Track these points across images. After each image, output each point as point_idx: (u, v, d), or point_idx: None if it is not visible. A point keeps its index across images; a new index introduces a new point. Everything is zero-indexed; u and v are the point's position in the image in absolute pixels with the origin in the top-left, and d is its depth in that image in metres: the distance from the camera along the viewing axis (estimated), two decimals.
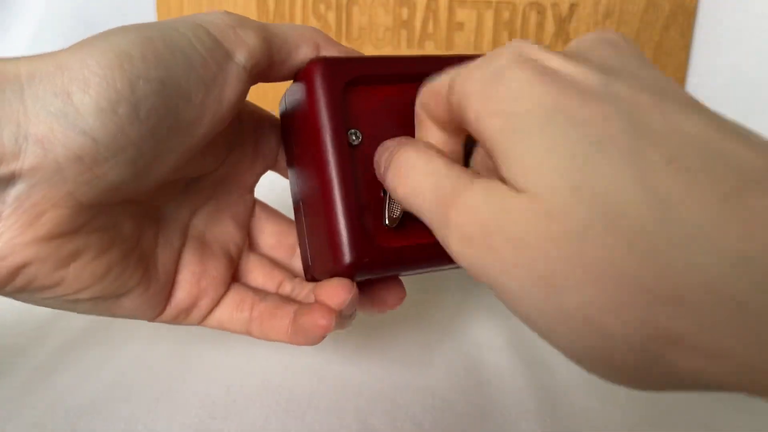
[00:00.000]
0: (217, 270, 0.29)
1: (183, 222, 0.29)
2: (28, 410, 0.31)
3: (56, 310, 0.39)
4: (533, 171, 0.18)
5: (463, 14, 0.45)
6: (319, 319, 0.26)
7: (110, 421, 0.30)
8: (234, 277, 0.30)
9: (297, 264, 0.32)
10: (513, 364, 0.34)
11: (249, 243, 0.32)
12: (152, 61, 0.22)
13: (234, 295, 0.29)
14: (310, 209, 0.27)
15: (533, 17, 0.44)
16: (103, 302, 0.25)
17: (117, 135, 0.21)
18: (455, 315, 0.38)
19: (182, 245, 0.29)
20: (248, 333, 0.29)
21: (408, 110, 0.26)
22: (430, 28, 0.46)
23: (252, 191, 0.32)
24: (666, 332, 0.16)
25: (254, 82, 0.26)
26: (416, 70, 0.26)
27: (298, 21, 0.47)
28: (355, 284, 0.26)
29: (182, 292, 0.28)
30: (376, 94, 0.27)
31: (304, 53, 0.26)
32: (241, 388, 0.32)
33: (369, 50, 0.46)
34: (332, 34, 0.47)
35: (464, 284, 0.36)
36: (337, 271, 0.26)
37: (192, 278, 0.28)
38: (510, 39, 0.45)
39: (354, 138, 0.26)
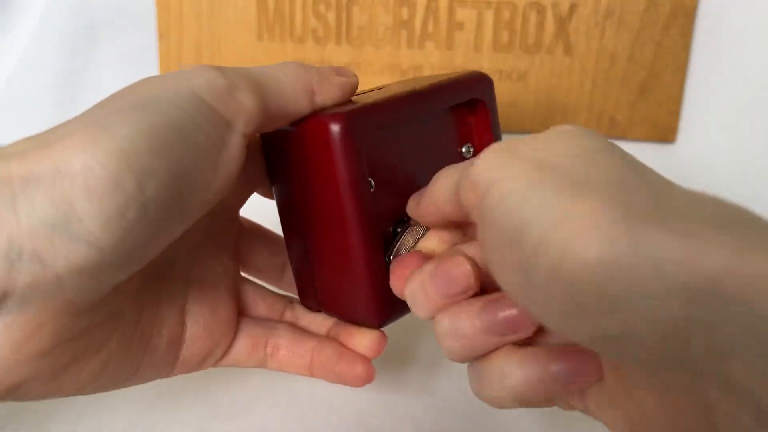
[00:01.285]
0: (226, 313, 0.28)
1: (183, 271, 0.27)
2: (28, 410, 0.31)
3: None
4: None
5: (463, 14, 0.45)
6: (360, 372, 0.28)
7: (110, 421, 0.30)
8: (239, 311, 0.29)
9: (286, 283, 0.31)
10: None
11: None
12: (160, 153, 0.19)
13: (246, 336, 0.29)
14: (323, 251, 0.27)
15: (533, 17, 0.44)
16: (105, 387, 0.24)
17: (125, 240, 0.19)
18: None
19: (185, 299, 0.27)
20: (264, 367, 0.29)
21: (413, 148, 0.28)
22: (430, 27, 0.46)
23: (238, 215, 0.30)
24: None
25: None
26: (421, 107, 0.27)
27: (298, 21, 0.47)
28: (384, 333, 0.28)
29: (194, 348, 0.27)
30: (385, 138, 0.27)
31: (301, 104, 0.25)
32: (241, 388, 0.32)
33: (369, 50, 0.46)
34: (332, 34, 0.47)
35: None
36: (366, 323, 0.28)
37: (204, 333, 0.27)
38: (510, 39, 0.45)
39: (371, 188, 0.26)
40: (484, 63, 0.45)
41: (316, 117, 0.25)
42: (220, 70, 0.23)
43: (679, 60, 0.44)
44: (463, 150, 0.30)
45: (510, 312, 0.22)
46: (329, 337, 0.30)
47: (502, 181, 0.19)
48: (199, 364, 0.28)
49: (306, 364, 0.29)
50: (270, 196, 0.29)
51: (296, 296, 0.30)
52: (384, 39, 0.46)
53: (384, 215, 0.27)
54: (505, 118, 0.47)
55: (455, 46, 0.45)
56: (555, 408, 0.31)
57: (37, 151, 0.18)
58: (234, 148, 0.22)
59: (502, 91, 0.46)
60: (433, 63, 0.46)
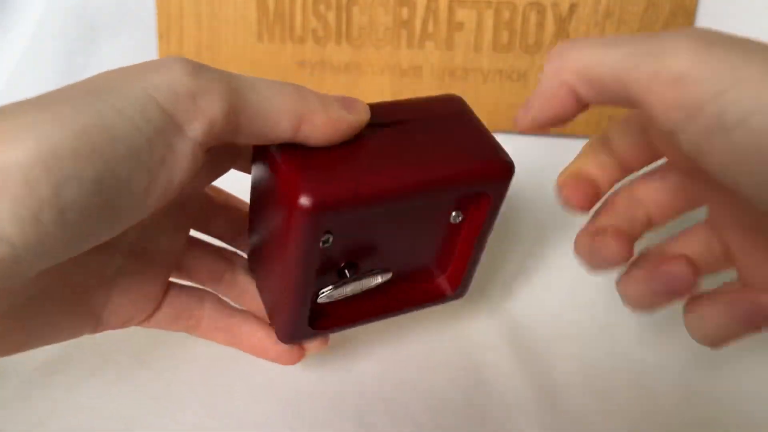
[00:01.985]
0: (154, 287, 0.29)
1: (124, 244, 0.27)
2: (28, 410, 0.31)
3: None
4: None
5: (463, 14, 0.45)
6: (282, 353, 0.31)
7: (110, 421, 0.30)
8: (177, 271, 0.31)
9: (242, 243, 0.32)
10: (513, 364, 0.34)
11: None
12: (86, 158, 0.18)
13: (170, 307, 0.30)
14: (268, 258, 0.27)
15: (533, 17, 0.44)
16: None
17: (41, 241, 0.18)
18: (455, 315, 0.38)
19: (117, 271, 0.27)
20: (188, 333, 0.31)
21: (395, 215, 0.26)
22: (430, 27, 0.46)
23: (203, 191, 0.30)
24: None
25: (214, 146, 0.23)
26: (419, 200, 0.25)
27: (298, 21, 0.47)
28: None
29: (116, 313, 0.28)
30: (362, 214, 0.24)
31: (281, 130, 0.23)
32: (241, 388, 0.32)
33: (369, 51, 0.46)
34: (332, 34, 0.47)
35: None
36: (276, 333, 0.29)
37: (128, 302, 0.28)
38: (510, 39, 0.45)
39: (325, 243, 0.25)
40: (484, 63, 0.45)
41: (293, 170, 0.23)
42: (194, 69, 0.21)
43: None
44: (452, 215, 0.28)
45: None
46: (253, 316, 0.31)
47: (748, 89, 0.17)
48: (120, 326, 0.29)
49: (226, 339, 0.31)
50: (246, 171, 0.29)
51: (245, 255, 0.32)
52: (384, 39, 0.46)
53: (337, 255, 0.27)
54: (505, 118, 0.47)
55: (455, 46, 0.45)
56: (555, 408, 0.31)
57: None
58: (183, 155, 0.21)
59: (502, 91, 0.46)
60: (433, 63, 0.46)
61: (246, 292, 0.32)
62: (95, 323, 0.27)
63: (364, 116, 0.24)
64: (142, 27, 0.50)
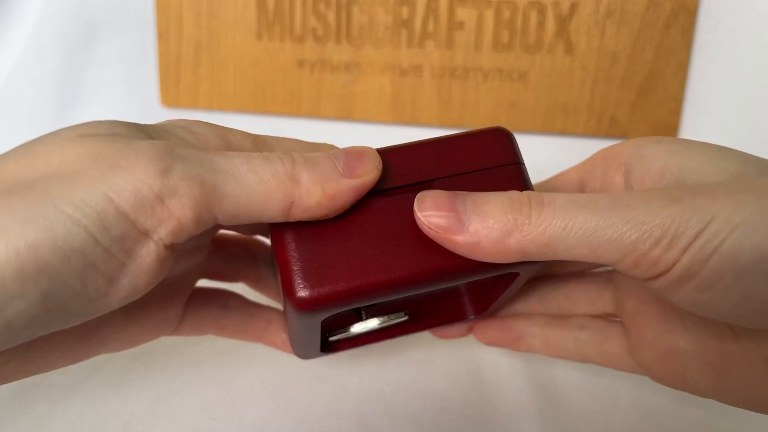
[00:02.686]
0: (170, 310, 0.28)
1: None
2: (28, 410, 0.31)
3: None
4: None
5: (463, 13, 0.45)
6: None
7: (109, 421, 0.30)
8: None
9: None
10: (513, 364, 0.34)
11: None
12: (31, 276, 0.17)
13: (190, 325, 0.29)
14: (282, 301, 0.25)
15: (534, 16, 0.44)
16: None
17: None
18: None
19: (128, 312, 0.26)
20: (213, 334, 0.31)
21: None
22: (431, 27, 0.45)
23: (208, 243, 0.29)
24: None
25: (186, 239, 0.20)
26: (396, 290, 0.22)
27: (297, 21, 0.47)
28: None
29: (128, 343, 0.27)
30: None
31: (268, 217, 0.21)
32: (241, 388, 0.32)
33: (369, 50, 0.46)
34: (332, 34, 0.47)
35: None
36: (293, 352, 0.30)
37: (140, 333, 0.27)
38: (510, 38, 0.45)
39: (328, 317, 0.23)
40: (484, 62, 0.45)
41: (289, 260, 0.21)
42: (165, 167, 0.19)
43: (680, 59, 0.44)
44: None
45: None
46: (278, 313, 0.31)
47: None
48: (137, 345, 0.28)
49: (252, 338, 0.31)
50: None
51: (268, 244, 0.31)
52: (384, 39, 0.46)
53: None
54: (505, 118, 0.47)
55: (455, 46, 0.45)
56: (555, 408, 0.31)
57: None
58: (147, 260, 0.19)
59: (502, 91, 0.46)
60: (434, 62, 0.46)
61: (272, 286, 0.31)
62: (107, 349, 0.26)
63: (371, 176, 0.21)
64: (141, 26, 0.50)
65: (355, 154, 0.22)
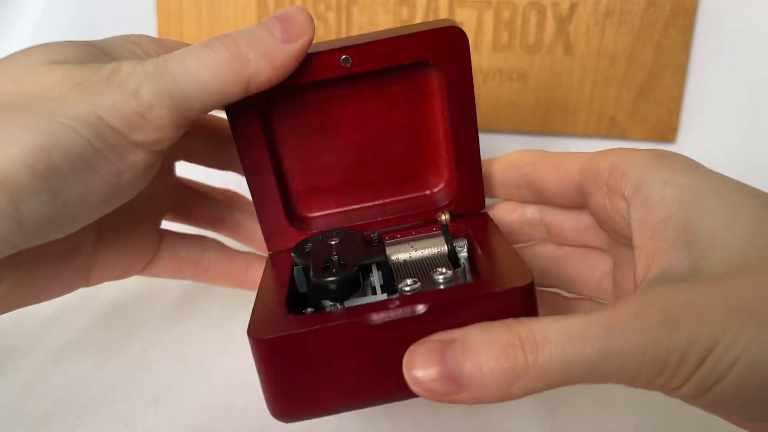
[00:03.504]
0: (144, 238, 0.29)
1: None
2: (28, 410, 0.31)
3: (56, 312, 0.39)
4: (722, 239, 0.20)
5: (463, 14, 0.45)
6: None
7: (110, 421, 0.30)
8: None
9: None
10: None
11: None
12: (43, 175, 0.20)
13: (170, 257, 0.30)
14: None
15: (533, 17, 0.44)
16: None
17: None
18: None
19: (98, 227, 0.27)
20: (194, 280, 0.32)
21: None
22: None
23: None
24: None
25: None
26: None
27: None
28: None
29: (106, 267, 0.29)
30: None
31: (232, 96, 0.23)
32: (241, 388, 0.32)
33: None
34: (332, 34, 0.47)
35: None
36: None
37: (116, 255, 0.28)
38: (510, 39, 0.45)
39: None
40: (484, 62, 0.45)
41: (271, 388, 0.22)
42: (135, 87, 0.21)
43: (679, 60, 0.44)
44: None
45: None
46: (259, 257, 0.32)
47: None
48: (115, 278, 0.30)
49: (235, 283, 0.31)
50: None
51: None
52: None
53: None
54: (505, 117, 0.47)
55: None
56: (555, 408, 0.31)
57: None
58: (138, 165, 0.22)
59: (502, 91, 0.46)
60: None
61: (251, 233, 0.32)
62: (86, 278, 0.28)
63: (308, 36, 0.24)
64: (141, 26, 0.50)
65: (287, 18, 0.23)
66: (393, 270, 0.27)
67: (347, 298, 0.24)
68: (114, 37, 0.25)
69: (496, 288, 0.21)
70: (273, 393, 0.22)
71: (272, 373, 0.22)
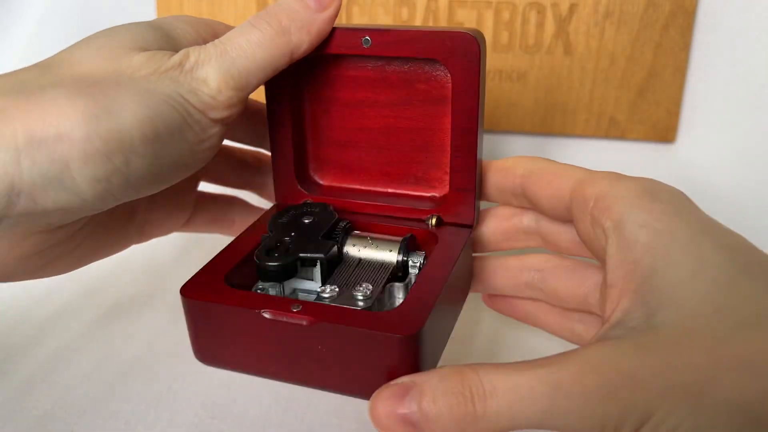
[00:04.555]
0: (183, 199, 0.34)
1: None
2: (28, 410, 0.31)
3: (56, 312, 0.39)
4: (678, 291, 0.21)
5: (463, 14, 0.45)
6: None
7: (110, 421, 0.30)
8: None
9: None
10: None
11: None
12: (151, 140, 0.23)
13: (204, 213, 0.35)
14: None
15: (533, 17, 0.44)
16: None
17: (105, 196, 0.23)
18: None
19: (152, 197, 0.31)
20: (223, 234, 0.36)
21: None
22: None
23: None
24: None
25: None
26: None
27: None
28: None
29: (154, 227, 0.33)
30: None
31: (282, 66, 0.27)
32: (241, 388, 0.32)
33: None
34: None
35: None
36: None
37: (162, 215, 0.33)
38: (510, 39, 0.45)
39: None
40: None
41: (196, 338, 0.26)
42: (205, 75, 0.25)
43: (679, 60, 0.44)
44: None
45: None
46: None
47: None
48: (162, 234, 0.34)
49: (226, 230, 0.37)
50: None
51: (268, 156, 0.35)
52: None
53: None
54: (505, 118, 0.47)
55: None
56: None
57: (41, 110, 0.21)
58: (215, 137, 0.26)
59: (502, 91, 0.46)
60: None
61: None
62: (140, 234, 0.33)
63: (338, 3, 0.28)
64: None
65: None
66: (345, 260, 0.30)
67: (281, 282, 0.28)
68: (169, 18, 0.29)
69: (378, 328, 0.23)
70: (193, 340, 0.26)
71: (192, 325, 0.26)
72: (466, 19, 0.45)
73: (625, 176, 0.26)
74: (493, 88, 0.46)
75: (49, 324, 0.37)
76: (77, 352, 0.35)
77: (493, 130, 0.47)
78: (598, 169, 0.27)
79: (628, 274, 0.23)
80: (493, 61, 0.45)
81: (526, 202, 0.30)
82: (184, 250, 0.45)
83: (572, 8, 0.44)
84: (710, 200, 0.48)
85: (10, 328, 0.36)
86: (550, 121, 0.46)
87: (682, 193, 0.25)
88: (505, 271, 0.32)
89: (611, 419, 0.19)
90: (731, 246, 0.22)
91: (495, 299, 0.33)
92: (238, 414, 0.31)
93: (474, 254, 0.32)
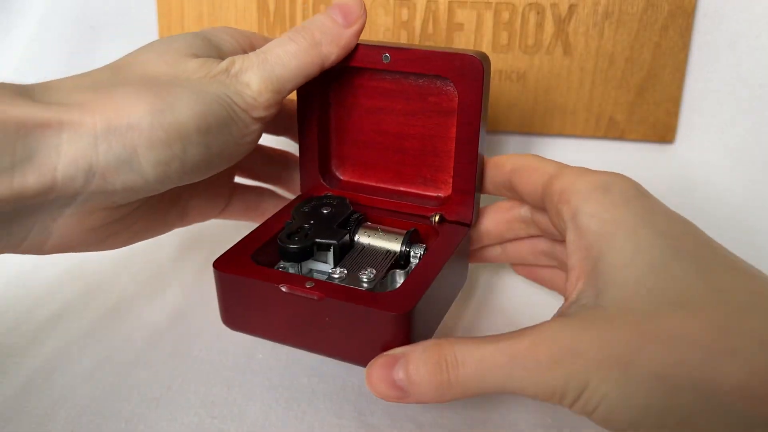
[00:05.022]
0: (223, 188, 0.38)
1: None
2: (28, 410, 0.31)
3: (56, 312, 0.39)
4: (619, 273, 0.24)
5: (462, 15, 0.45)
6: None
7: (110, 421, 0.30)
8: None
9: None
10: None
11: None
12: (203, 132, 0.28)
13: (239, 202, 0.39)
14: None
15: (532, 18, 0.44)
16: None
17: (164, 178, 0.27)
18: (455, 315, 0.38)
19: (194, 185, 0.34)
20: (256, 222, 0.39)
21: None
22: (430, 28, 0.46)
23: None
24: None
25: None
26: None
27: (298, 21, 0.47)
28: None
29: (197, 211, 0.37)
30: None
31: (313, 74, 0.31)
32: (241, 388, 0.32)
33: None
34: None
35: (466, 285, 0.37)
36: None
37: (203, 202, 0.37)
38: (509, 39, 0.45)
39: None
40: None
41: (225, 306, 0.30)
42: (248, 80, 0.29)
43: (678, 60, 0.44)
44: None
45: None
46: None
47: None
48: (201, 220, 0.38)
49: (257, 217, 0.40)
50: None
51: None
52: (384, 40, 0.46)
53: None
54: (504, 118, 0.47)
55: (455, 46, 0.46)
56: (555, 408, 0.31)
57: (114, 104, 0.26)
58: (255, 133, 0.31)
59: (501, 92, 0.46)
60: None
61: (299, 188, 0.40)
62: (182, 218, 0.36)
63: (362, 20, 0.31)
64: (143, 27, 0.50)
65: (345, 7, 0.31)
66: (355, 247, 0.34)
67: (299, 262, 0.32)
68: (214, 29, 0.33)
69: (376, 306, 0.26)
70: (222, 309, 0.30)
71: (222, 296, 0.30)
72: (465, 19, 0.45)
73: (590, 171, 0.28)
74: (493, 88, 0.46)
75: (49, 324, 0.37)
76: (77, 352, 0.35)
77: (492, 131, 0.47)
78: (597, 170, 0.29)
79: (582, 258, 0.26)
80: (493, 61, 0.46)
81: (515, 195, 0.33)
82: (184, 250, 0.45)
83: (571, 9, 0.44)
84: (709, 200, 0.48)
85: (10, 328, 0.36)
86: (550, 122, 0.46)
87: (636, 185, 0.27)
88: (525, 241, 0.36)
89: (558, 386, 0.22)
90: (670, 233, 0.25)
91: (520, 267, 0.38)
92: (238, 414, 0.31)
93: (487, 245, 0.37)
